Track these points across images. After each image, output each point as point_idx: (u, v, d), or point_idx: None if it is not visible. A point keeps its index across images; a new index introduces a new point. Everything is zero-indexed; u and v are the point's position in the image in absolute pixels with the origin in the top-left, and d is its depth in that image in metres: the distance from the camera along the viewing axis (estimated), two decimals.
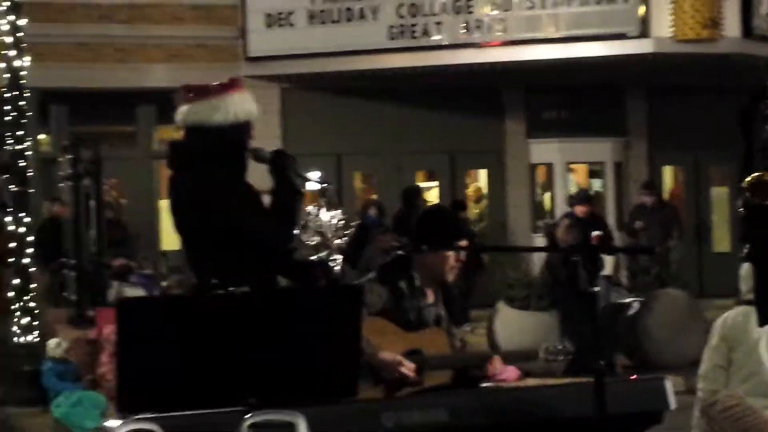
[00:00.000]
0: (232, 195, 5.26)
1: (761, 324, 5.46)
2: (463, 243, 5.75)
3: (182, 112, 5.43)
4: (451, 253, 5.63)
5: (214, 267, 5.28)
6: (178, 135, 5.57)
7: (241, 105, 5.37)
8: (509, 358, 5.79)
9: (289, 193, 5.38)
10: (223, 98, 5.37)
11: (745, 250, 5.11)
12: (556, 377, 8.43)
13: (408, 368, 5.29)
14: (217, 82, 5.48)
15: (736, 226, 19.55)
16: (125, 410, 3.84)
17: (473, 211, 21.09)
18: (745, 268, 6.89)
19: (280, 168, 5.37)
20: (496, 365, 5.52)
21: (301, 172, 5.47)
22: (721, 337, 6.64)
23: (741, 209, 5.10)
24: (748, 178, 5.00)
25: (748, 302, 6.76)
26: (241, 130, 5.36)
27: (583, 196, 15.96)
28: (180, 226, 5.43)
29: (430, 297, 5.70)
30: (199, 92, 5.43)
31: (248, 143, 5.40)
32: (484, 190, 21.59)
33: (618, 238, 17.71)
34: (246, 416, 3.71)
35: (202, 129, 5.35)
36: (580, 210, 15.11)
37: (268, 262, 5.36)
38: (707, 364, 6.57)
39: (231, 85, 5.45)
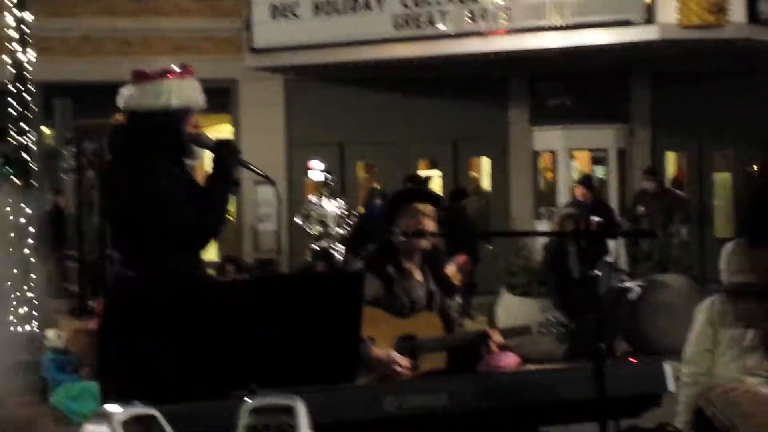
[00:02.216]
0: (152, 182, 5.11)
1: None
2: (423, 206, 5.68)
3: (121, 95, 5.32)
4: (416, 218, 5.63)
5: (135, 254, 5.18)
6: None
7: (178, 91, 5.24)
8: (503, 334, 5.81)
9: (222, 182, 5.24)
10: (159, 83, 5.25)
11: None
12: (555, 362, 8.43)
13: (401, 366, 5.32)
14: (159, 68, 5.35)
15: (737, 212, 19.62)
16: (122, 398, 3.84)
17: (475, 200, 21.15)
18: (728, 249, 6.93)
19: (221, 156, 5.27)
20: (497, 338, 5.57)
21: (245, 162, 5.33)
22: (707, 321, 6.68)
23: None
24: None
25: (731, 286, 6.81)
26: (175, 116, 5.22)
27: (584, 180, 16.01)
28: (104, 211, 5.42)
29: (418, 275, 5.71)
30: (140, 77, 5.32)
31: (183, 130, 5.24)
32: (485, 178, 21.60)
33: (621, 224, 17.72)
34: (246, 400, 3.73)
35: (136, 114, 5.25)
36: (579, 192, 15.14)
37: (183, 251, 5.17)
38: (694, 348, 6.59)
39: (172, 72, 5.32)
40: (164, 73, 5.28)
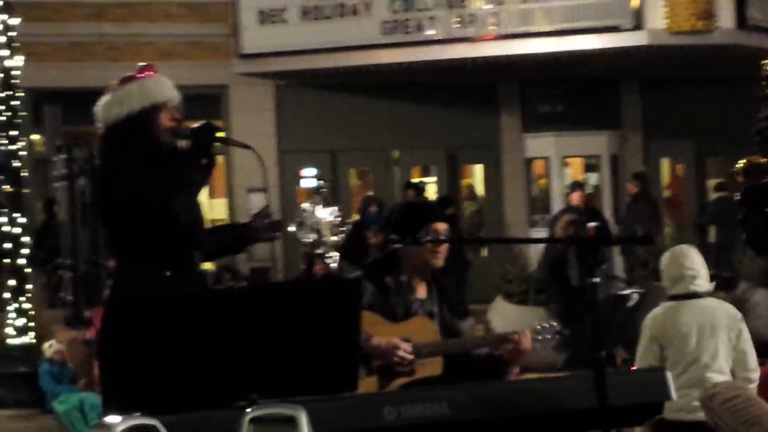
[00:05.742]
0: (124, 181, 5.19)
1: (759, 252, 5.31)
2: (441, 225, 5.66)
3: (95, 113, 5.44)
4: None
5: (129, 258, 5.27)
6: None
7: (138, 93, 5.30)
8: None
9: (195, 162, 5.29)
10: (120, 91, 5.35)
11: (744, 236, 5.07)
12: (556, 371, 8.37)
13: (405, 350, 5.30)
14: (120, 77, 5.44)
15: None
16: (123, 410, 3.80)
17: (469, 207, 21.15)
18: (666, 259, 6.86)
19: (198, 141, 5.31)
20: (524, 340, 5.54)
21: (226, 138, 5.48)
22: (651, 337, 6.63)
23: (737, 194, 5.04)
24: (739, 163, 4.94)
25: (674, 297, 6.75)
26: (141, 118, 5.27)
27: (580, 185, 16.04)
28: (102, 215, 5.48)
29: (422, 292, 5.66)
30: (106, 91, 5.44)
31: (154, 129, 5.29)
32: (478, 186, 21.59)
33: (615, 231, 17.70)
34: (247, 410, 3.69)
35: (108, 126, 5.36)
36: (575, 198, 15.13)
37: (176, 236, 5.21)
38: (640, 364, 6.56)
39: (131, 77, 5.40)
40: (124, 81, 5.38)
